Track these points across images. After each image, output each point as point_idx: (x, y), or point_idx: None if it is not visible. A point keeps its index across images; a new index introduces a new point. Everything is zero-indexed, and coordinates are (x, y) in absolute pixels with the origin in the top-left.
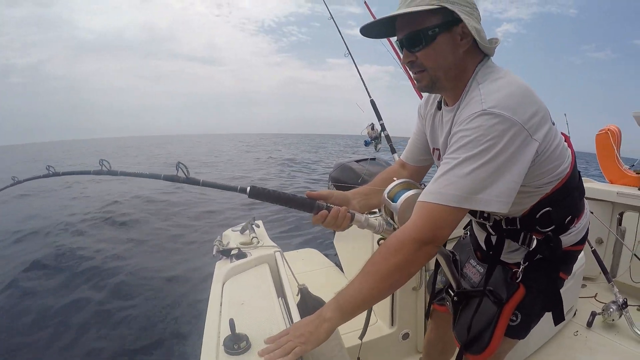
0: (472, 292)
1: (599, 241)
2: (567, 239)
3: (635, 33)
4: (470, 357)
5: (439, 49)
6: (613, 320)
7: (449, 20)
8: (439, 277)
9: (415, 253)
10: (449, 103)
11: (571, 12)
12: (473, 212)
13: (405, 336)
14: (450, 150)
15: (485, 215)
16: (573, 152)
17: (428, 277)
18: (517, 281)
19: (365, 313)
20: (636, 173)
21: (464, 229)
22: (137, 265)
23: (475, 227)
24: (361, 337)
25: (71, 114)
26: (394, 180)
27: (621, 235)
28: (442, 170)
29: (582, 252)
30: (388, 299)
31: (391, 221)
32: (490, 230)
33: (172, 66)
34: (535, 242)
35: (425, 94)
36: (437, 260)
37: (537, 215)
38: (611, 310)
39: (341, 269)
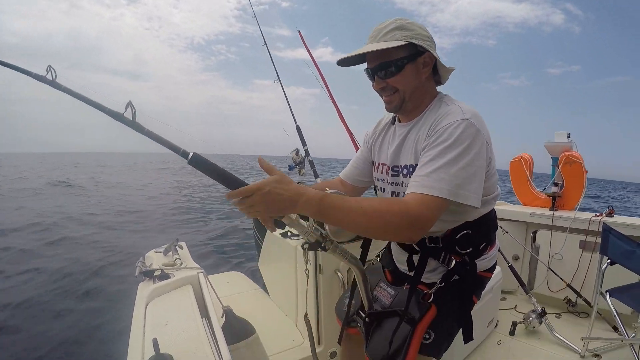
0: (384, 313)
1: (516, 257)
2: (481, 264)
3: (548, 62)
4: None
5: (406, 76)
6: (534, 327)
7: (414, 53)
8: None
9: (404, 228)
10: (403, 120)
11: (490, 43)
12: None
13: (333, 355)
14: (434, 148)
15: None
16: (499, 194)
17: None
18: (429, 301)
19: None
20: (547, 195)
21: (376, 256)
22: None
23: (395, 247)
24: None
25: None
26: (327, 190)
27: (536, 251)
28: (431, 167)
29: (499, 268)
30: (314, 318)
31: (319, 227)
32: (416, 247)
33: (97, 79)
34: (454, 262)
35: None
36: (353, 281)
37: (458, 236)
38: (531, 318)
39: (267, 292)
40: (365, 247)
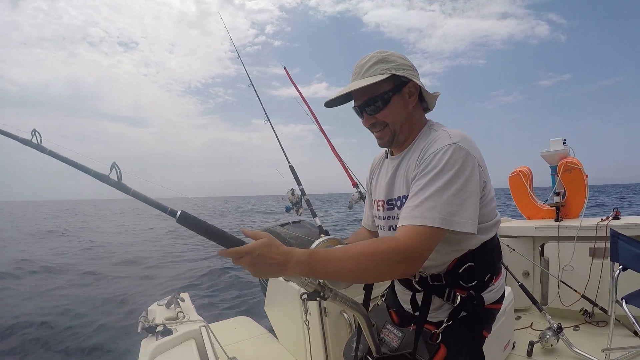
0: (392, 358)
1: (526, 274)
2: (488, 296)
3: (539, 75)
4: None
5: (394, 108)
6: (552, 345)
7: (398, 84)
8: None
9: (398, 265)
10: (395, 153)
11: (480, 63)
12: None
13: None
14: (424, 177)
15: None
16: (499, 221)
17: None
18: (438, 341)
19: None
20: (550, 206)
21: (381, 296)
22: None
23: (397, 287)
24: None
25: None
26: (321, 237)
27: (545, 265)
28: (421, 196)
29: (509, 288)
30: (322, 352)
31: None
32: (417, 287)
33: (97, 126)
34: (459, 298)
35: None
36: (358, 325)
37: (461, 270)
38: (548, 336)
39: (275, 336)
40: (368, 289)
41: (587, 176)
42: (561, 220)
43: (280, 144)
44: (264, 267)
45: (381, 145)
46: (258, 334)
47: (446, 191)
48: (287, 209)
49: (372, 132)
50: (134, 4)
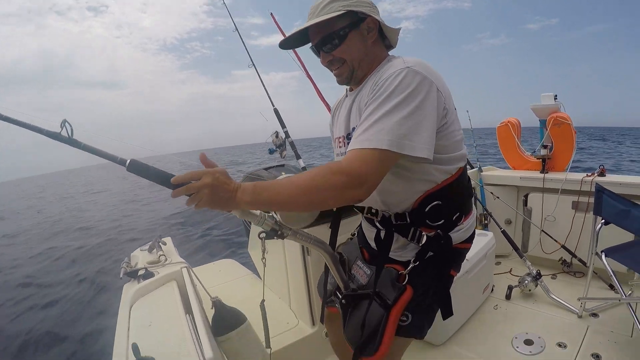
0: (359, 295)
1: (508, 222)
2: (457, 236)
3: (527, 18)
4: (364, 359)
5: (352, 44)
6: (530, 290)
7: (356, 20)
8: (329, 279)
9: (343, 189)
10: (353, 89)
11: (465, 6)
12: (361, 208)
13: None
14: (374, 101)
15: (374, 210)
16: (465, 155)
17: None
18: (404, 283)
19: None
20: (537, 158)
21: (352, 234)
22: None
23: (364, 224)
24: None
25: None
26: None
27: (528, 214)
28: (370, 120)
29: (492, 233)
30: (305, 299)
31: (273, 214)
32: (379, 225)
33: (73, 95)
34: (425, 237)
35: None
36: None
37: (427, 209)
38: (527, 281)
39: (259, 277)
40: (335, 229)
41: (575, 132)
42: (547, 173)
43: (265, 87)
44: (215, 198)
45: (340, 82)
46: (243, 274)
47: (397, 113)
48: (271, 151)
49: (331, 71)
50: None
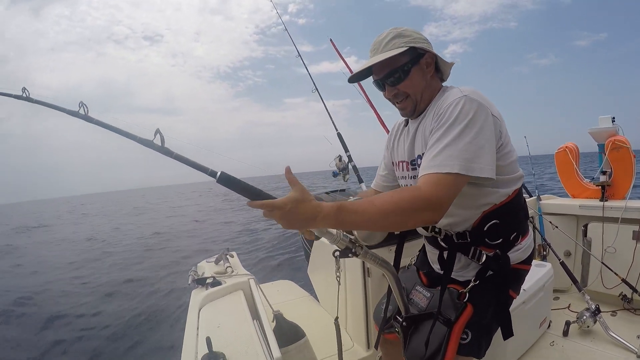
0: (421, 316)
1: (567, 254)
2: (515, 256)
3: (574, 34)
4: None
5: (414, 79)
6: (588, 327)
7: (416, 56)
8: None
9: (423, 211)
10: (414, 118)
11: (512, 25)
12: (425, 227)
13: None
14: (439, 129)
15: (437, 229)
16: (522, 176)
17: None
18: (464, 300)
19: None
20: (596, 185)
21: (411, 259)
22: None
23: (427, 247)
24: None
25: (28, 173)
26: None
27: (588, 245)
28: (439, 146)
29: (550, 265)
30: (362, 322)
31: (348, 234)
32: (442, 244)
33: (131, 119)
34: (484, 256)
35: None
36: (389, 286)
37: (486, 228)
38: (585, 317)
39: (317, 299)
40: (399, 252)
41: (634, 156)
42: (606, 201)
43: (328, 112)
44: (293, 221)
45: (404, 115)
46: (300, 296)
47: (462, 139)
48: (335, 174)
49: (394, 104)
50: None
